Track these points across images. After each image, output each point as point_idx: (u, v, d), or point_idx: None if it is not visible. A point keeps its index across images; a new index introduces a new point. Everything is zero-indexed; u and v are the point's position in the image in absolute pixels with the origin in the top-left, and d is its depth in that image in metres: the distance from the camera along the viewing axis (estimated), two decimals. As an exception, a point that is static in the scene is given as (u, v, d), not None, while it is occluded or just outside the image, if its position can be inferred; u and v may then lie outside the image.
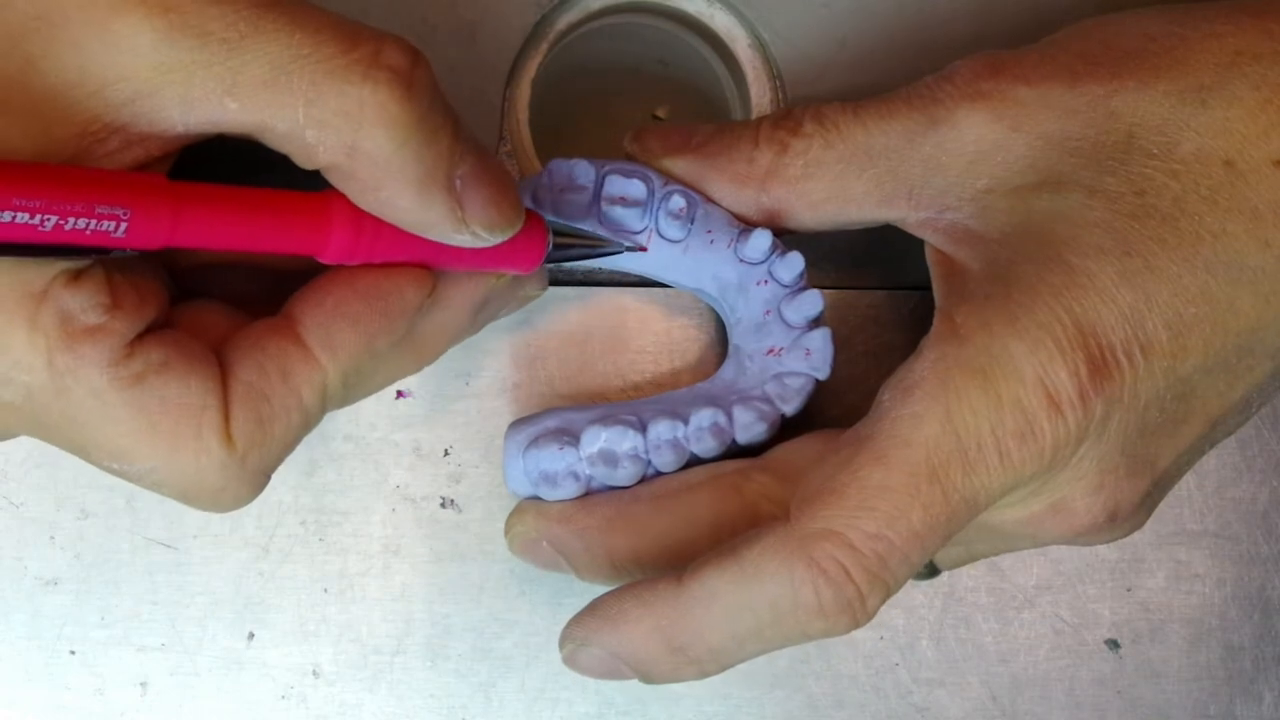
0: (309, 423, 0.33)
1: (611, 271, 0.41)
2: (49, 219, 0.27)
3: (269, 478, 0.33)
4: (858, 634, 0.42)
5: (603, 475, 0.37)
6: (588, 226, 0.38)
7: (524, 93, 0.42)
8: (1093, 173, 0.34)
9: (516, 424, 0.39)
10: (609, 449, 0.37)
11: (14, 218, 0.27)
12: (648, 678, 0.35)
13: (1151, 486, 0.34)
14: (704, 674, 0.34)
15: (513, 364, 0.41)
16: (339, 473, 0.41)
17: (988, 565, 0.42)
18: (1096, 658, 0.42)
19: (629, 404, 0.39)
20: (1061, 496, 0.34)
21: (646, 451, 0.37)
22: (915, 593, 0.42)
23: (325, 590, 0.41)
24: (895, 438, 0.32)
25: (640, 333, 0.41)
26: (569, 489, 0.37)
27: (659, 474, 0.38)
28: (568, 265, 0.41)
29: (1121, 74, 0.34)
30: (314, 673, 0.41)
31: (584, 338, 0.41)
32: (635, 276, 0.40)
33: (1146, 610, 0.43)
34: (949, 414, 0.32)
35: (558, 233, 0.36)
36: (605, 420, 0.37)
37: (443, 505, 0.41)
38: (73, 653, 0.40)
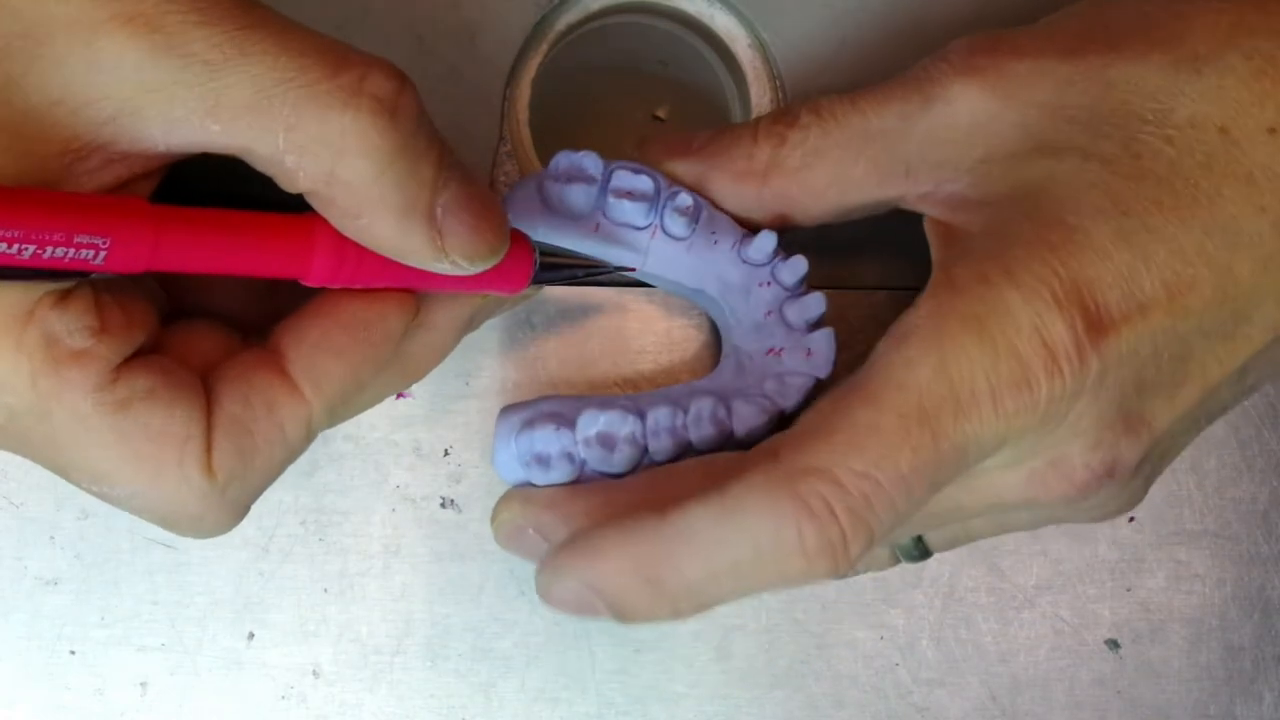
0: (291, 456, 0.33)
1: (613, 276, 0.41)
2: (26, 248, 0.27)
3: (248, 508, 0.33)
4: (858, 634, 0.42)
5: (597, 459, 0.37)
6: (583, 246, 0.37)
7: (524, 93, 0.42)
8: (1088, 138, 0.34)
9: (509, 408, 0.38)
10: (607, 432, 0.37)
11: None
12: (620, 613, 0.34)
13: (1149, 449, 0.34)
14: (677, 613, 0.33)
15: (513, 364, 0.41)
16: (339, 473, 0.41)
17: (988, 565, 0.42)
18: (1096, 658, 0.42)
19: (626, 395, 0.39)
20: (1060, 454, 0.33)
21: (644, 437, 0.37)
22: (915, 593, 0.42)
23: (325, 590, 0.41)
24: (888, 381, 0.32)
25: (640, 333, 0.41)
26: (562, 471, 0.37)
27: (653, 464, 0.38)
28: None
29: (1119, 47, 0.34)
30: (314, 673, 0.41)
31: (584, 338, 0.41)
32: (636, 280, 0.40)
33: (1146, 610, 0.43)
34: (943, 360, 0.32)
35: (545, 254, 0.36)
36: (603, 405, 0.37)
37: (443, 505, 0.41)
38: (73, 653, 0.40)
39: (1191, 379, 0.34)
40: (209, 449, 0.31)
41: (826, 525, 0.31)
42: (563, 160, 0.38)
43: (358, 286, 0.33)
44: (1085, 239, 0.32)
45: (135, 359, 0.31)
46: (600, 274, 0.38)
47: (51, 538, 0.40)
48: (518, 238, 0.35)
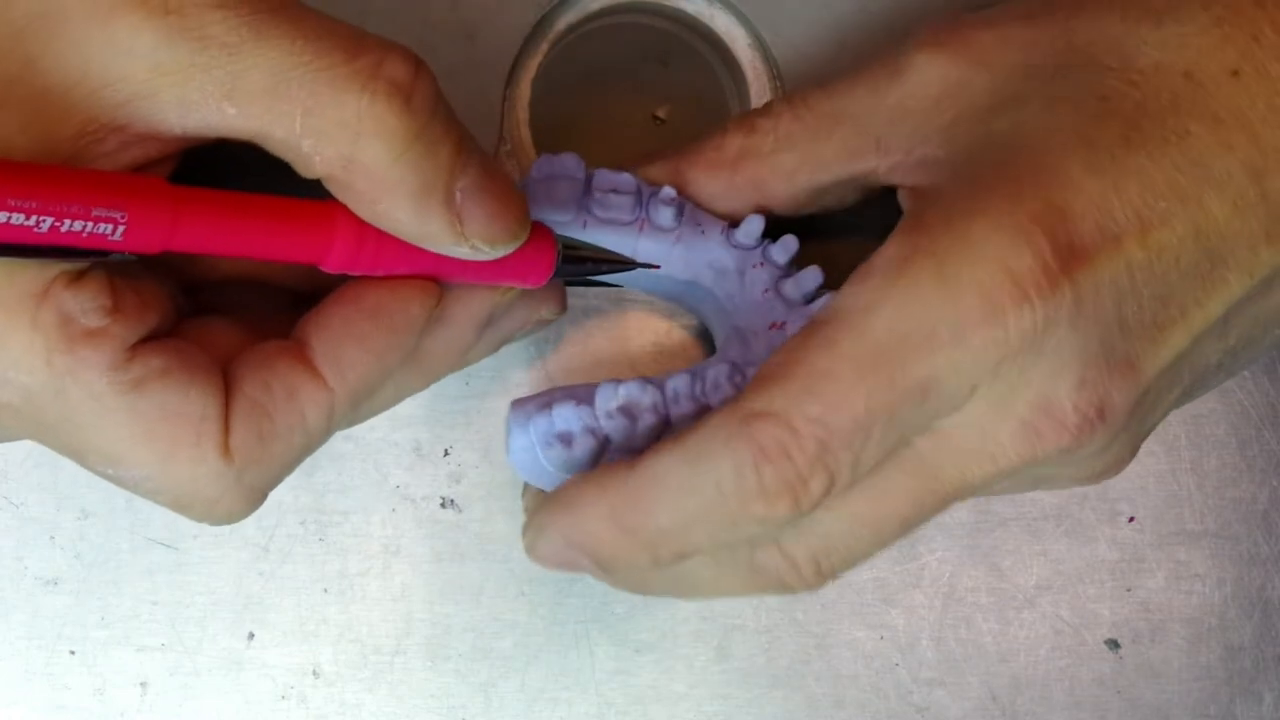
0: (311, 444, 0.33)
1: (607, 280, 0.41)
2: (45, 220, 0.27)
3: (265, 496, 0.33)
4: (858, 634, 0.42)
5: (621, 431, 0.36)
6: (584, 236, 0.37)
7: (524, 93, 0.42)
8: (1054, 86, 0.34)
9: (519, 400, 0.38)
10: (629, 403, 0.36)
11: (9, 218, 0.27)
12: (603, 564, 0.34)
13: (1138, 394, 0.33)
14: (658, 561, 0.33)
15: (512, 364, 0.41)
16: (339, 473, 0.41)
17: (988, 565, 0.42)
18: (1096, 658, 0.42)
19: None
20: (1045, 396, 0.32)
21: (665, 405, 0.37)
22: (915, 593, 0.42)
23: (325, 590, 0.41)
24: (845, 325, 0.32)
25: (640, 333, 0.41)
26: (585, 448, 0.36)
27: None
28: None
29: (1081, 6, 0.35)
30: (314, 673, 0.41)
31: (584, 338, 0.41)
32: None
33: (1146, 610, 0.43)
34: (901, 302, 0.31)
35: (568, 247, 0.36)
36: (617, 381, 0.37)
37: (443, 505, 0.41)
38: (73, 653, 0.40)
39: (1174, 322, 0.33)
40: (226, 430, 0.31)
41: (782, 467, 0.31)
42: (544, 164, 0.38)
43: (379, 274, 0.33)
44: (1053, 172, 0.32)
45: (150, 340, 0.30)
46: (624, 269, 0.38)
47: (51, 538, 0.40)
48: (540, 229, 0.35)
